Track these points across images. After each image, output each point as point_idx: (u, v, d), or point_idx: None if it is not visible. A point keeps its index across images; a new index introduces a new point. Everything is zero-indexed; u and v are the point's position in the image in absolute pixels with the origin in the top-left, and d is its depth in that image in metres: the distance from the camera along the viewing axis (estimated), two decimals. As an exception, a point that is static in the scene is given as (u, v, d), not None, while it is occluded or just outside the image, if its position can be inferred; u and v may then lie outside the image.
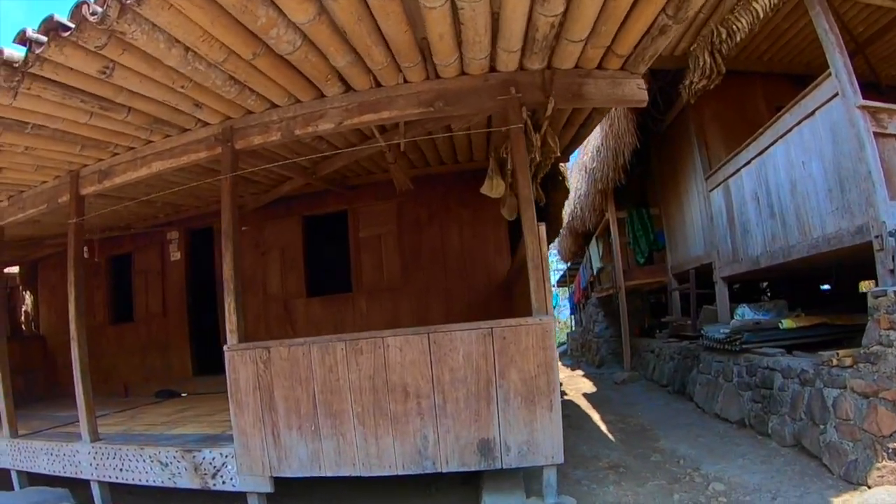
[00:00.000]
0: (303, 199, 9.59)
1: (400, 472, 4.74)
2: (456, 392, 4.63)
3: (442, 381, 4.66)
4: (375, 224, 9.57)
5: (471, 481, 5.60)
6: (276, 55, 4.44)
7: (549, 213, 10.09)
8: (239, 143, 5.61)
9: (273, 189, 9.03)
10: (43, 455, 6.76)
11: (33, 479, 7.28)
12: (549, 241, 9.93)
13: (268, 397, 5.07)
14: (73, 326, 6.52)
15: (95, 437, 6.36)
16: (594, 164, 10.74)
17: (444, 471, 4.66)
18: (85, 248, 10.88)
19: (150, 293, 11.26)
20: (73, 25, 3.69)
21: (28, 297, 14.44)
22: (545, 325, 4.55)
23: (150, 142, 5.98)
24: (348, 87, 5.19)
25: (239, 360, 5.21)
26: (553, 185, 9.86)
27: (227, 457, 5.20)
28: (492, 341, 4.58)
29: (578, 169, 12.30)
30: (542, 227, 4.84)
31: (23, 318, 14.55)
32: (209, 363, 10.79)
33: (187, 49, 4.15)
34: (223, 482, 5.22)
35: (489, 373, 4.58)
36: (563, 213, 12.98)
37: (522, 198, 4.94)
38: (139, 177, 6.17)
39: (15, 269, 14.16)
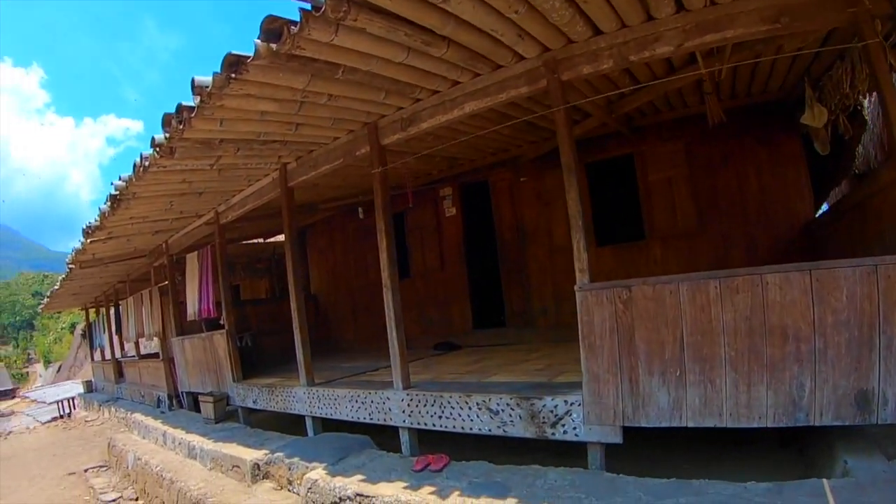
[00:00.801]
0: (582, 145, 9.09)
1: (769, 425, 4.22)
2: (837, 336, 4.03)
3: (824, 324, 4.07)
4: (664, 167, 8.98)
5: (790, 444, 5.10)
6: (623, -31, 4.00)
7: (849, 148, 9.14)
8: (565, 75, 5.21)
9: (554, 137, 8.72)
10: (346, 402, 6.93)
11: (326, 424, 7.58)
12: (839, 182, 8.92)
13: (627, 340, 4.69)
14: (385, 275, 6.52)
15: (408, 384, 6.38)
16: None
17: (817, 423, 4.10)
18: (360, 210, 11.26)
19: (427, 249, 11.69)
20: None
21: (297, 261, 15.37)
22: (930, 264, 3.86)
23: (457, 83, 5.75)
24: (679, 7, 4.64)
25: (593, 301, 4.84)
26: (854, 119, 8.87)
27: (571, 405, 4.89)
28: (876, 280, 3.94)
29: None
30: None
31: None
32: (488, 316, 11.08)
33: (537, -39, 3.78)
34: (564, 431, 4.94)
35: (872, 316, 3.95)
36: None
37: None
38: (450, 119, 5.98)
39: (282, 237, 15.13)
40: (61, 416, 23.76)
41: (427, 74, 5.40)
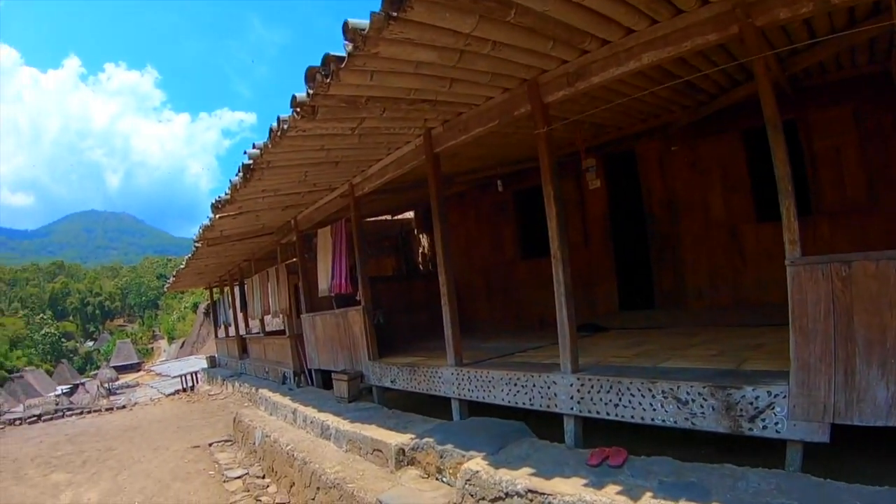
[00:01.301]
0: (737, 109, 8.27)
1: None
2: None
3: None
4: (831, 134, 7.95)
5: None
6: None
7: None
8: (759, 20, 4.47)
9: (712, 100, 8.06)
10: (502, 385, 6.36)
11: (472, 408, 7.08)
12: None
13: (844, 324, 3.97)
14: (554, 246, 5.82)
15: (576, 367, 5.74)
16: None
17: None
18: (499, 182, 10.89)
19: (569, 225, 10.92)
20: None
21: (424, 239, 15.04)
22: None
23: (631, 32, 5.07)
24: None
25: (806, 277, 4.12)
26: None
27: (775, 396, 4.19)
28: None
29: None
30: None
31: (420, 258, 15.27)
32: (636, 297, 10.43)
33: None
34: (763, 427, 4.24)
35: None
36: None
37: None
38: (623, 73, 5.29)
39: (409, 214, 14.88)
40: (184, 390, 24.46)
41: (602, 20, 4.78)
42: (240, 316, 20.07)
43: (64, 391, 53.11)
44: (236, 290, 19.97)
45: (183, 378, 27.13)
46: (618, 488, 4.22)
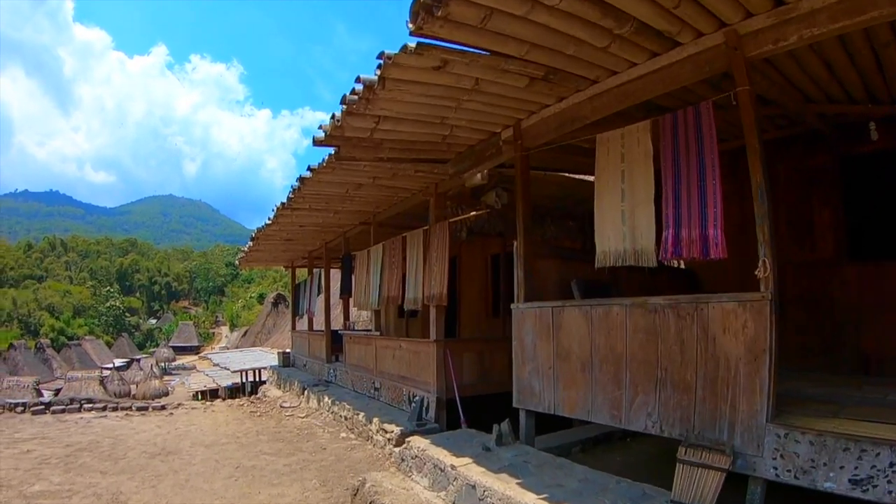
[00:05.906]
0: None
1: None
2: None
3: None
4: None
5: None
6: None
7: None
8: None
9: None
10: None
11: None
12: None
13: None
14: None
15: None
16: None
17: None
18: (872, 126, 7.22)
19: None
20: None
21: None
22: None
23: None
24: None
25: None
26: None
27: None
28: None
29: None
30: None
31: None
32: None
33: None
34: None
35: None
36: None
37: None
38: None
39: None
40: (243, 391, 19.53)
41: None
42: (338, 304, 15.40)
43: (119, 365, 51.27)
44: (332, 271, 15.59)
45: (244, 374, 22.29)
46: None
